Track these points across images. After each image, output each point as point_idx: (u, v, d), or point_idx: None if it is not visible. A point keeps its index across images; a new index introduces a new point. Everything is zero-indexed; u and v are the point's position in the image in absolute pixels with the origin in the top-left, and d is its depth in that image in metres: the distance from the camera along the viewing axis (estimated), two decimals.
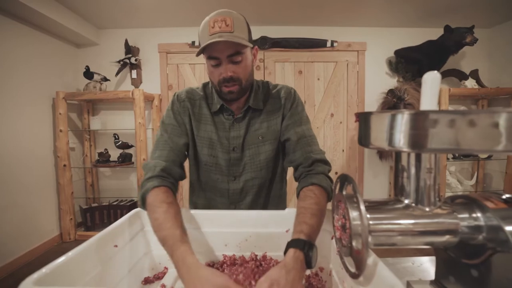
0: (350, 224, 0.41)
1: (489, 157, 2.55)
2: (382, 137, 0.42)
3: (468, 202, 0.45)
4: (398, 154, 0.46)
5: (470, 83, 2.56)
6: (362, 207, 0.38)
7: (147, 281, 0.62)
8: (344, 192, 0.45)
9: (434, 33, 2.45)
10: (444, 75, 2.70)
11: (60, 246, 2.41)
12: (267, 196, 0.85)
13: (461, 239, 0.42)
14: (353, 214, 0.41)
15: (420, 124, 0.38)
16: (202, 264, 0.48)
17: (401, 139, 0.40)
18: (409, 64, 2.58)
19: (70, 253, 0.44)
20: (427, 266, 0.69)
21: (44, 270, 0.38)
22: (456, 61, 2.67)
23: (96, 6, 2.23)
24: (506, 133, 0.34)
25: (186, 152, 0.80)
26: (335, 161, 2.84)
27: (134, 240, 0.62)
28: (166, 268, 0.66)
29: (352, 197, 0.43)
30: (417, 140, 0.38)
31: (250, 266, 0.57)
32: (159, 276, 0.63)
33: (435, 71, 0.43)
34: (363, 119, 0.46)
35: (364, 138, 0.46)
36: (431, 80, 0.43)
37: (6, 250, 1.95)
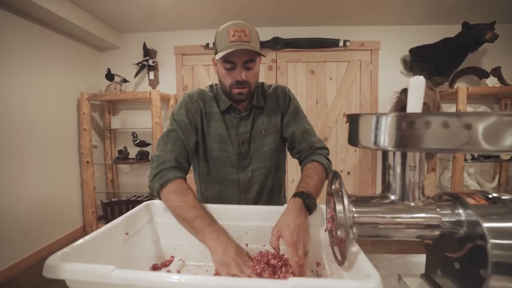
0: (336, 216, 0.45)
1: None
2: (369, 137, 0.45)
3: (452, 199, 0.47)
4: (384, 153, 0.49)
5: (492, 81, 2.45)
6: (345, 200, 0.42)
7: (154, 267, 0.67)
8: (333, 187, 0.49)
9: (452, 30, 2.37)
10: (463, 73, 2.60)
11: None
12: (272, 185, 0.93)
13: (443, 233, 0.45)
14: (339, 207, 0.45)
15: (402, 125, 0.41)
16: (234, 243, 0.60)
17: (385, 139, 0.43)
18: (425, 62, 2.51)
19: (87, 237, 0.51)
20: (424, 262, 0.70)
21: (66, 249, 0.45)
22: (476, 58, 2.57)
23: (117, 12, 2.36)
24: (476, 134, 0.36)
25: (193, 150, 0.86)
26: (347, 160, 2.82)
27: (143, 230, 0.68)
28: (172, 257, 0.71)
29: (339, 191, 0.46)
30: (400, 140, 0.41)
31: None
32: (165, 264, 0.69)
33: (421, 76, 0.46)
34: (353, 120, 0.49)
35: (353, 138, 0.49)
36: (416, 84, 0.45)
37: (34, 239, 2.12)
